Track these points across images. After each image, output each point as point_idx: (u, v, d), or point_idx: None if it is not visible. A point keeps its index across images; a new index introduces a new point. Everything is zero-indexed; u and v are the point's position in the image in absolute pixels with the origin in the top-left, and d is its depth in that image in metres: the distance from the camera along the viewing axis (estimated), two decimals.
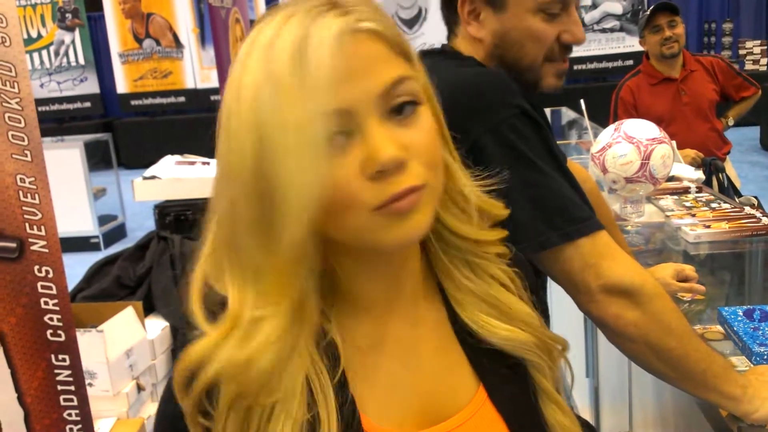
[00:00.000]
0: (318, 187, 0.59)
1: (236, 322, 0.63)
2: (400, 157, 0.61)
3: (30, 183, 1.32)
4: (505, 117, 1.09)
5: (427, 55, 1.29)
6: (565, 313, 2.09)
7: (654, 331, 1.07)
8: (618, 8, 9.52)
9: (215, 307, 0.65)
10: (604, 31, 9.53)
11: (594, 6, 9.58)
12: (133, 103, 10.69)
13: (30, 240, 1.33)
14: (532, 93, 1.28)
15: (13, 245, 1.32)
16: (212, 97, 9.95)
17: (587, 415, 2.49)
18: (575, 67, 9.46)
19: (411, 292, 0.75)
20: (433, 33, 9.39)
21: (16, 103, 1.30)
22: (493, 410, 0.76)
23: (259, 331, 0.62)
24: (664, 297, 1.08)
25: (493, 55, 1.24)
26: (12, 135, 1.30)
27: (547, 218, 1.07)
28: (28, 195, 1.33)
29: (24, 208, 1.32)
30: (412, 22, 9.67)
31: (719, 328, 1.45)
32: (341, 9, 0.63)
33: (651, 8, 3.58)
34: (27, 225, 1.33)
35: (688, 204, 2.32)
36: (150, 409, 2.39)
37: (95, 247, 6.28)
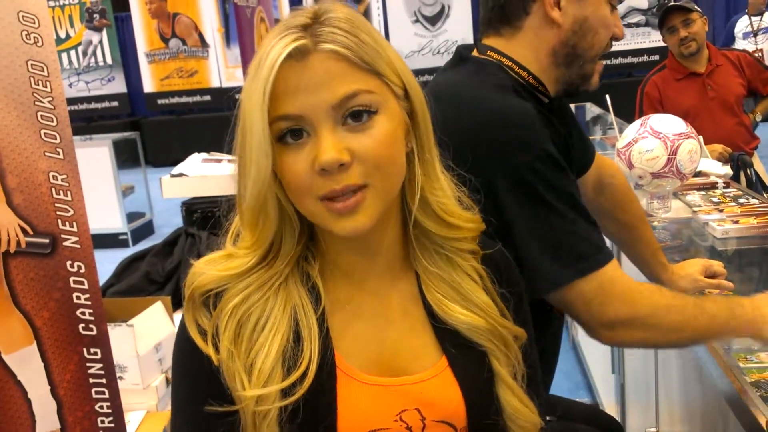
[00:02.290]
0: (264, 175, 0.76)
1: (228, 255, 0.85)
2: (341, 160, 0.75)
3: (62, 180, 1.35)
4: (525, 160, 1.11)
5: (449, 69, 1.31)
6: None
7: (664, 337, 1.14)
8: (644, 2, 9.39)
9: None
10: (629, 26, 9.40)
11: (619, 0, 9.48)
12: (159, 102, 10.79)
13: (62, 236, 1.36)
14: (579, 90, 1.32)
15: (46, 241, 1.35)
16: (237, 96, 9.99)
17: (613, 412, 2.47)
18: None
19: (386, 265, 0.87)
20: (455, 30, 9.32)
21: (48, 102, 1.33)
22: (451, 377, 0.85)
23: (231, 263, 0.83)
24: (658, 305, 1.13)
25: (567, 43, 1.26)
26: (44, 133, 1.33)
27: (557, 259, 1.11)
28: (61, 192, 1.35)
29: (56, 204, 1.35)
30: (434, 19, 9.64)
31: None
32: (309, 31, 0.76)
33: (662, 10, 3.52)
34: (59, 221, 1.36)
35: (715, 199, 2.30)
36: None
37: (124, 244, 6.36)
